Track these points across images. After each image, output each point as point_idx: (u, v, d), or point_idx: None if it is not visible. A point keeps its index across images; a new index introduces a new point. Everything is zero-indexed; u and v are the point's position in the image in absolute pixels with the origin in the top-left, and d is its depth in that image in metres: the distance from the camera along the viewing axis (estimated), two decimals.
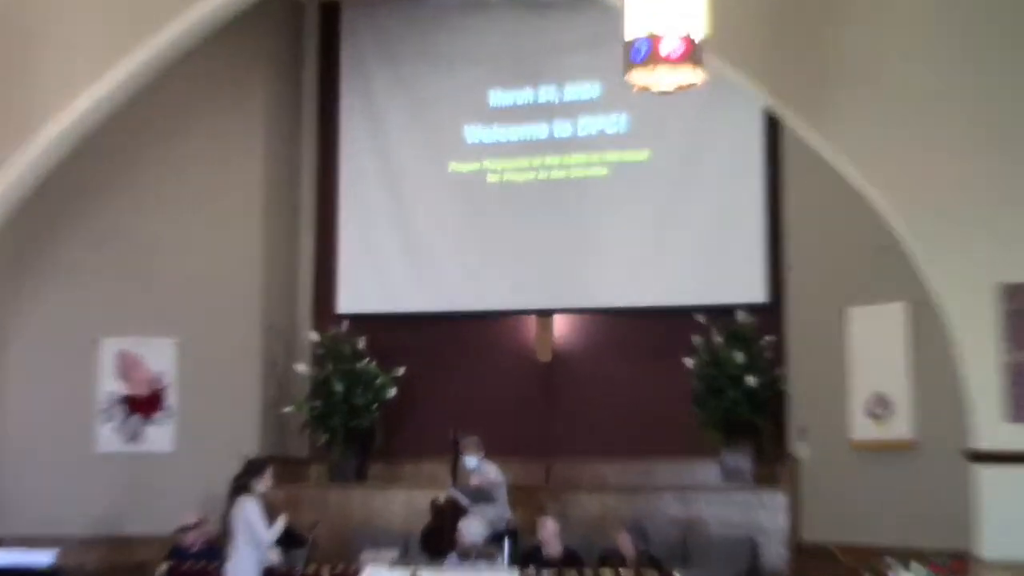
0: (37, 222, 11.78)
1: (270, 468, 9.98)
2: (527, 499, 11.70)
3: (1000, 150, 8.48)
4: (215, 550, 10.63)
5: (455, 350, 13.06)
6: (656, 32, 6.40)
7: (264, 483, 9.85)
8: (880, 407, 10.18)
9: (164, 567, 10.38)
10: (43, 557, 10.02)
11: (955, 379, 8.64)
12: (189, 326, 12.31)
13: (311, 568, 9.98)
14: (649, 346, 12.48)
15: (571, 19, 12.70)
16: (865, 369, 10.32)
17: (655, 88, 6.54)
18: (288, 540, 10.13)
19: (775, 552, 11.19)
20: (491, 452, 12.49)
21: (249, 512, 9.69)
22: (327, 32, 13.60)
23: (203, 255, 12.45)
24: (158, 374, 12.29)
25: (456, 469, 11.08)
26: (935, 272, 8.64)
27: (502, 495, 10.75)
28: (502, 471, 10.92)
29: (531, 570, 9.39)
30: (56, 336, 12.11)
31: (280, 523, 9.86)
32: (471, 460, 10.95)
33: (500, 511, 10.68)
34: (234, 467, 10.84)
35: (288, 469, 12.68)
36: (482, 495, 10.66)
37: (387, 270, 13.15)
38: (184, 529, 10.92)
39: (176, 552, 10.89)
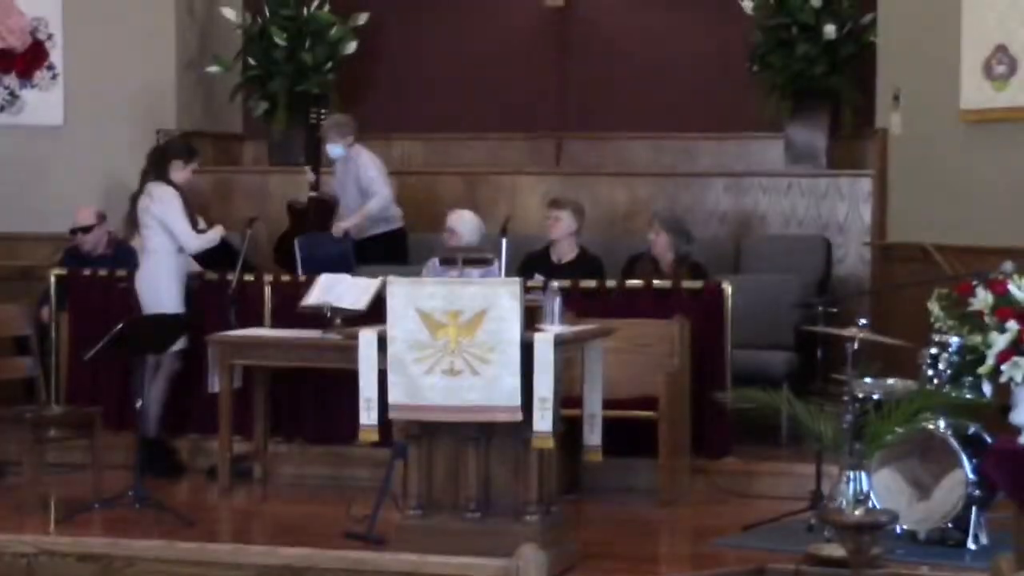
0: None
1: (197, 157, 9.91)
2: (531, 187, 11.77)
3: None
4: (122, 255, 10.65)
5: None
6: None
7: (184, 172, 9.75)
8: (1002, 64, 10.01)
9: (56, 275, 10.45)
10: None
11: None
12: None
13: (248, 278, 9.97)
14: None
15: None
16: (983, 12, 10.12)
17: None
18: (219, 253, 10.09)
19: (854, 255, 11.35)
20: (484, 125, 12.47)
21: (165, 205, 9.60)
22: None
23: None
24: (37, 20, 12.04)
25: (318, 154, 11.32)
26: None
27: (382, 190, 11.01)
28: (380, 157, 11.27)
29: (537, 279, 9.39)
30: None
31: (214, 233, 9.81)
32: (335, 149, 11.13)
33: (382, 205, 10.99)
34: (145, 145, 10.80)
35: (217, 148, 12.68)
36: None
37: None
38: (82, 230, 10.91)
39: (72, 257, 10.92)
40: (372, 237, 11.06)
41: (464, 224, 10.13)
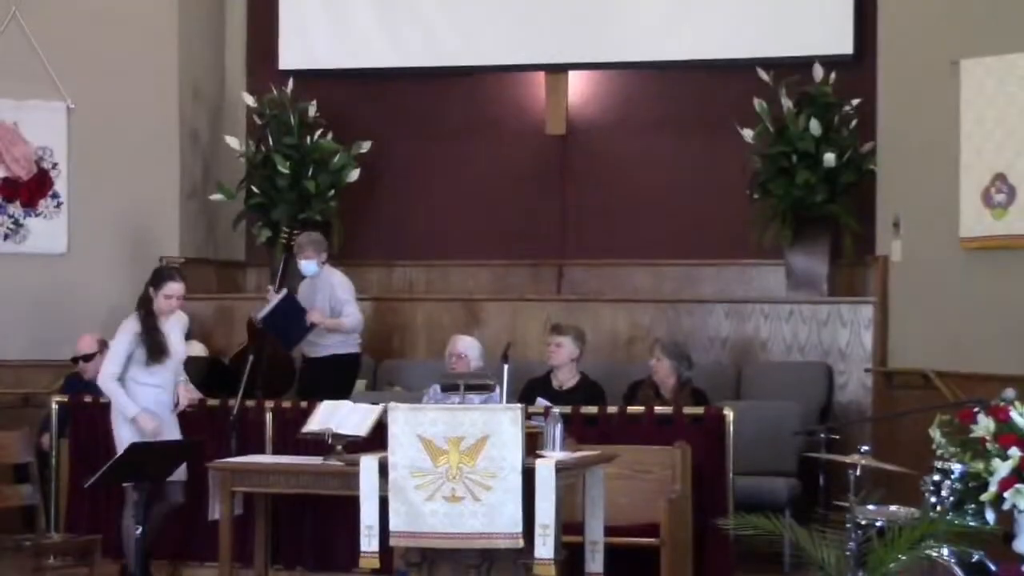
0: None
1: (171, 282, 9.51)
2: (533, 314, 11.79)
3: None
4: None
5: (438, 120, 12.98)
6: None
7: (158, 299, 9.44)
8: (1001, 193, 10.07)
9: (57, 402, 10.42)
10: None
11: None
12: (83, 85, 12.14)
13: (249, 404, 9.95)
14: (694, 113, 12.43)
15: None
16: (982, 142, 10.20)
17: None
18: (213, 374, 10.01)
19: (855, 381, 11.35)
20: (486, 253, 12.54)
21: (116, 337, 9.48)
22: None
23: None
24: (42, 149, 12.13)
25: (284, 275, 11.17)
26: None
27: (356, 313, 10.90)
28: (352, 278, 11.12)
29: (539, 405, 9.40)
30: None
31: (131, 410, 9.31)
32: (309, 265, 10.99)
33: (355, 325, 10.88)
34: (148, 273, 10.82)
35: (220, 275, 12.73)
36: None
37: (345, 10, 12.95)
38: (83, 358, 10.94)
39: (74, 384, 10.93)
40: (335, 355, 10.93)
41: (472, 349, 10.18)
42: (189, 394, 9.68)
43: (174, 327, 9.55)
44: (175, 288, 9.47)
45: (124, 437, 9.28)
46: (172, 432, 9.46)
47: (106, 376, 9.36)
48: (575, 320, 11.15)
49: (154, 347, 9.36)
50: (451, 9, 12.74)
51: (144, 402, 9.32)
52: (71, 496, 10.17)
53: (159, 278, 9.57)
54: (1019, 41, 9.96)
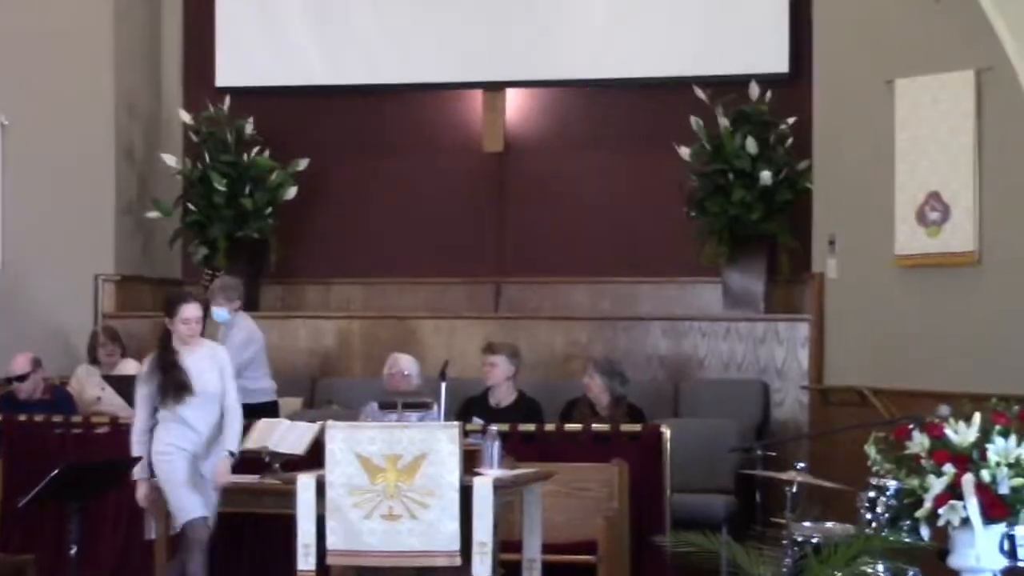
0: None
1: (185, 304, 8.82)
2: (470, 332, 11.79)
3: None
4: (60, 400, 10.62)
5: (375, 138, 12.97)
6: None
7: (179, 327, 8.75)
8: (935, 211, 10.14)
9: None
10: None
11: None
12: (17, 101, 12.07)
13: None
14: (632, 131, 12.45)
15: None
16: (917, 160, 10.27)
17: None
18: None
19: (792, 399, 11.41)
20: (423, 271, 12.54)
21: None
22: None
23: (32, 5, 12.17)
24: None
25: (205, 319, 10.72)
26: (1015, 29, 8.49)
27: (260, 359, 10.50)
28: (258, 329, 10.63)
29: (476, 423, 9.40)
30: None
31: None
32: (220, 312, 10.46)
33: (261, 380, 10.48)
34: (84, 290, 10.74)
35: (156, 293, 12.68)
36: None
37: (282, 28, 12.92)
38: (18, 378, 10.82)
39: (7, 403, 10.85)
40: (246, 404, 9.82)
41: (412, 367, 10.12)
42: (222, 477, 8.76)
43: (206, 364, 8.83)
44: (191, 310, 8.77)
45: (184, 502, 8.75)
46: (206, 489, 8.82)
47: (133, 433, 8.82)
48: (513, 338, 11.17)
49: (169, 384, 8.72)
50: (388, 27, 12.74)
51: (169, 438, 8.73)
52: (4, 516, 10.08)
53: (172, 304, 8.88)
54: (953, 60, 10.03)
